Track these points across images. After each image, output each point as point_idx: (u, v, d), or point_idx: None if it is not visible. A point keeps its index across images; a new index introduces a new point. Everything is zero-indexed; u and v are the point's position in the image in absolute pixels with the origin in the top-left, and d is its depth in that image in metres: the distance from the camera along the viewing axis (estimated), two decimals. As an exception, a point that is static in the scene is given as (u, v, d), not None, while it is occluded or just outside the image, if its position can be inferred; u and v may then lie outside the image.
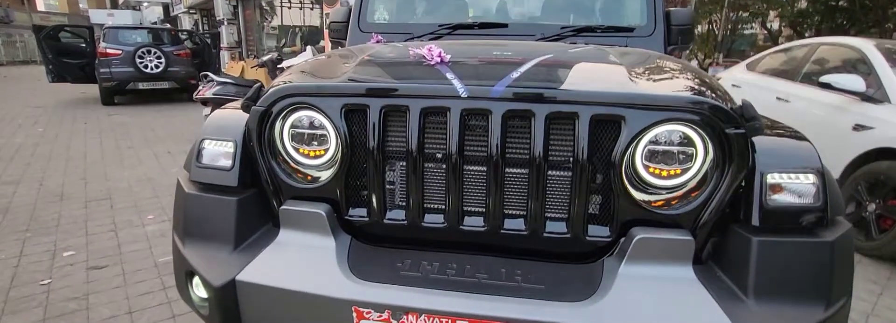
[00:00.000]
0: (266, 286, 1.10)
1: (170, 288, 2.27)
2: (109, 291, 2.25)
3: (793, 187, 1.06)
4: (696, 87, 1.19)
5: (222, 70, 11.42)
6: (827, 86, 3.33)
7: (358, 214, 1.23)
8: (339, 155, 1.19)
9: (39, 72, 17.30)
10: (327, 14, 9.45)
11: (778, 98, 4.07)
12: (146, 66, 8.35)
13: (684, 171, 1.11)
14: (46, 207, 3.38)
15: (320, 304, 1.07)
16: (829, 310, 1.01)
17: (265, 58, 6.40)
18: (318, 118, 1.20)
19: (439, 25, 2.17)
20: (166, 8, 20.81)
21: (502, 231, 1.17)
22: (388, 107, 1.14)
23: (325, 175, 1.22)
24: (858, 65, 3.51)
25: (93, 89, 10.21)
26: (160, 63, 8.43)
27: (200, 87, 5.70)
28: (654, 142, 1.11)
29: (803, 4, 18.48)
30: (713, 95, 1.13)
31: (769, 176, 1.06)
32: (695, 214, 1.09)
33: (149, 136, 5.90)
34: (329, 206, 1.21)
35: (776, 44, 25.14)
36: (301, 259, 1.15)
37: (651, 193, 1.13)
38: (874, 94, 3.12)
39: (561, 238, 1.15)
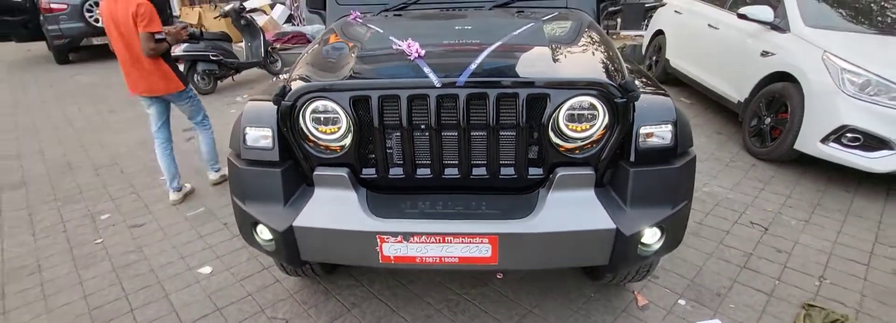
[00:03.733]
0: (315, 228, 1.61)
1: (206, 236, 2.78)
2: (156, 243, 2.74)
3: (657, 134, 1.60)
4: (601, 66, 1.67)
5: (175, 16, 11.01)
6: (744, 16, 3.81)
7: (369, 172, 1.72)
8: (350, 131, 1.65)
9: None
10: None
11: (709, 25, 4.54)
12: (97, 20, 8.10)
13: (591, 127, 1.62)
14: (60, 177, 3.74)
15: (355, 236, 1.59)
16: (674, 209, 1.60)
17: (227, 7, 6.39)
18: (331, 105, 1.63)
19: None
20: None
21: (471, 177, 1.69)
22: (384, 96, 1.59)
23: (341, 147, 1.69)
24: (773, -6, 3.97)
25: (38, 46, 9.86)
26: (110, 16, 8.17)
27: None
28: (571, 108, 1.60)
29: None
30: (611, 73, 1.61)
31: (642, 128, 1.59)
32: (597, 155, 1.62)
33: (123, 98, 6.02)
34: (348, 169, 1.69)
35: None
36: (336, 207, 1.64)
37: (570, 143, 1.65)
38: (780, 24, 3.64)
39: (510, 178, 1.68)
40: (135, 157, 4.05)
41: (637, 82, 1.71)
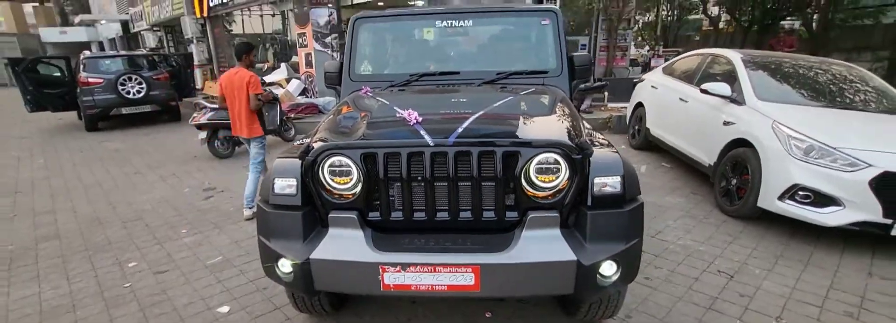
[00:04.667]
0: (329, 260, 1.94)
1: (224, 280, 3.07)
2: (179, 287, 3.03)
3: (609, 184, 1.97)
4: (563, 130, 2.09)
5: (197, 89, 11.93)
6: (705, 91, 4.35)
7: (374, 216, 2.08)
8: (360, 182, 2.03)
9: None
10: (298, 33, 10.06)
11: (680, 98, 5.08)
12: (128, 92, 8.88)
13: (556, 178, 2.00)
14: (91, 230, 4.09)
15: (361, 266, 1.91)
16: (627, 245, 1.93)
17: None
18: (346, 161, 2.03)
19: (410, 75, 3.03)
20: (125, 25, 20.78)
21: (459, 220, 2.04)
22: (388, 152, 1.99)
23: (352, 194, 2.06)
24: (732, 72, 4.55)
25: (69, 116, 10.64)
26: (142, 89, 8.97)
27: (195, 114, 6.39)
28: (539, 163, 1.99)
29: (737, -8, 20.03)
30: (570, 136, 2.03)
31: (596, 179, 1.97)
32: (561, 201, 1.99)
33: (148, 161, 6.54)
34: (357, 212, 2.05)
35: (717, 28, 26.67)
36: (346, 243, 1.98)
37: (540, 191, 2.02)
38: (737, 97, 4.15)
39: (491, 220, 2.04)
40: (158, 214, 4.42)
41: (603, 145, 2.14)
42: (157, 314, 2.69)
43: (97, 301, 2.87)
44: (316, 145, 2.06)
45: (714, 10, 23.13)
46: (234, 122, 4.27)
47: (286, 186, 2.08)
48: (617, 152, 2.11)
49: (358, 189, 2.04)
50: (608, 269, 1.94)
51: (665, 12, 23.97)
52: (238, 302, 2.79)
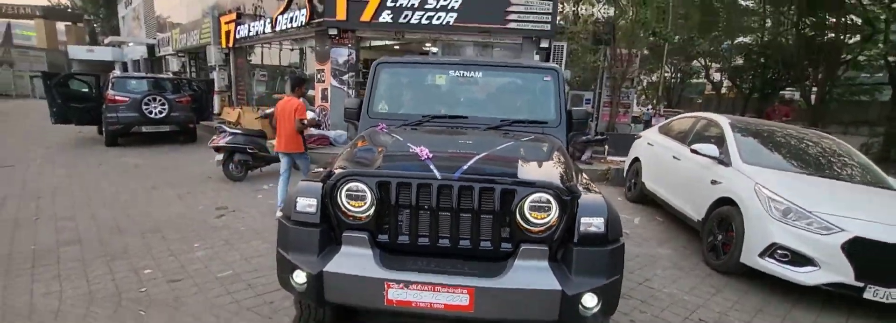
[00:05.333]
0: (340, 273, 2.18)
1: (234, 292, 3.27)
2: (192, 295, 3.22)
3: (594, 224, 2.24)
4: (556, 174, 2.39)
5: (215, 113, 12.41)
6: (696, 151, 4.67)
7: (383, 238, 2.33)
8: (373, 206, 2.30)
9: (21, 106, 17.83)
10: (319, 68, 10.56)
11: (674, 156, 5.40)
12: (151, 112, 9.31)
13: (548, 216, 2.27)
14: (111, 237, 4.31)
15: (368, 281, 2.15)
16: (607, 280, 2.16)
17: (268, 111, 7.47)
18: (362, 186, 2.31)
19: (422, 116, 3.36)
20: (151, 48, 21.76)
21: (458, 247, 2.30)
22: (400, 182, 2.28)
23: (365, 217, 2.33)
24: (720, 135, 4.89)
25: (88, 130, 11.05)
26: (164, 109, 9.41)
27: (214, 137, 6.74)
28: (533, 201, 2.26)
29: (739, 61, 21.03)
30: (562, 179, 2.31)
31: (582, 219, 2.23)
32: (551, 236, 2.24)
33: (166, 178, 6.82)
34: (368, 233, 2.31)
35: (719, 92, 27.31)
36: (356, 260, 2.23)
37: (532, 226, 2.28)
38: (724, 159, 4.47)
39: (487, 249, 2.29)
40: (174, 228, 4.65)
41: (589, 189, 2.42)
42: (170, 318, 2.89)
43: (114, 302, 3.07)
44: (337, 171, 2.35)
45: (716, 76, 24.05)
46: (280, 140, 5.10)
47: (307, 205, 2.36)
48: (603, 197, 2.39)
49: (371, 213, 2.31)
50: (590, 300, 2.16)
51: (668, 74, 24.82)
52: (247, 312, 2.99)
